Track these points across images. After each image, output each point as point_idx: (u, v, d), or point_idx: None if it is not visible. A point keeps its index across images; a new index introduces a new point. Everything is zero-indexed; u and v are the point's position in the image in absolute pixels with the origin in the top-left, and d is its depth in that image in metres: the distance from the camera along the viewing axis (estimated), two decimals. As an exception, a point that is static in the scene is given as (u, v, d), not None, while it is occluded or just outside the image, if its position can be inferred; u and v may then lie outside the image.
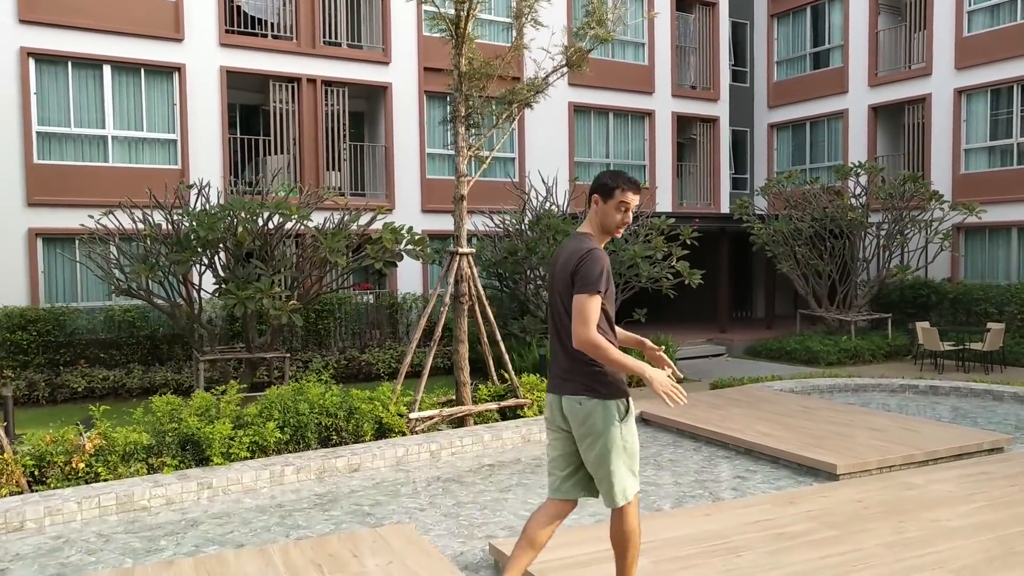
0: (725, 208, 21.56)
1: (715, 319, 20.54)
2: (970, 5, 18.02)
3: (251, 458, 7.01)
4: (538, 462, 7.34)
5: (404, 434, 7.99)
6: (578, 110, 19.29)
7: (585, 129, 19.54)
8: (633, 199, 3.80)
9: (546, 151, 18.51)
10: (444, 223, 17.01)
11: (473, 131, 8.30)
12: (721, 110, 21.42)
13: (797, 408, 8.78)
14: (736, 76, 23.13)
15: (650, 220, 14.64)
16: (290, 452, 7.31)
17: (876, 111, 20.14)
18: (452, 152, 17.71)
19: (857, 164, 17.42)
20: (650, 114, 20.22)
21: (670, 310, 22.93)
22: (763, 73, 22.93)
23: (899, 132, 20.35)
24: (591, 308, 3.54)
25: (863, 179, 18.19)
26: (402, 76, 16.98)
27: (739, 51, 23.12)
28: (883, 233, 17.80)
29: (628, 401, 3.76)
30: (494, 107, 8.51)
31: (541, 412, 8.95)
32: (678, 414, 8.54)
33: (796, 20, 22.21)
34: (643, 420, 8.81)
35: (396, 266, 10.90)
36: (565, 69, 8.43)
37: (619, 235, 3.89)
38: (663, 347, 4.66)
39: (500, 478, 6.88)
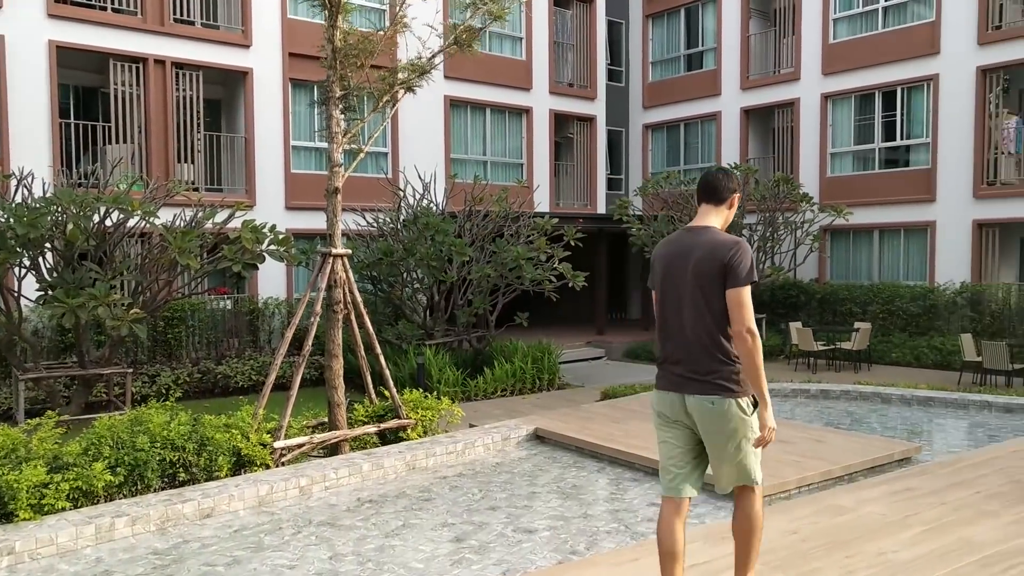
0: (602, 208, 21.30)
1: (592, 321, 20.21)
2: (835, 12, 18.49)
3: (73, 508, 5.69)
4: (427, 495, 6.41)
5: (268, 466, 6.85)
6: (454, 104, 18.41)
7: (461, 124, 18.69)
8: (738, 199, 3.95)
9: (421, 146, 17.53)
10: (311, 221, 15.71)
11: (348, 115, 7.26)
12: (598, 109, 21.14)
13: (699, 419, 8.28)
14: (612, 76, 22.94)
15: (533, 220, 13.97)
16: (125, 497, 6.03)
17: (748, 114, 20.41)
18: (320, 145, 16.41)
19: (733, 166, 17.46)
20: (528, 111, 19.62)
21: (547, 313, 22.47)
22: (638, 73, 22.86)
23: (769, 135, 20.72)
24: (749, 298, 3.60)
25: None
26: (265, 61, 15.53)
27: (615, 50, 22.95)
28: (758, 235, 17.95)
29: (753, 396, 3.73)
30: (370, 91, 7.50)
31: (427, 433, 8.02)
32: (577, 431, 7.83)
33: (670, 21, 22.26)
34: (537, 437, 8.04)
35: (257, 268, 9.66)
36: (454, 48, 7.54)
37: None
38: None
39: (384, 518, 5.91)
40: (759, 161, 20.17)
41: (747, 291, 3.57)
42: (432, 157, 17.49)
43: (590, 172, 21.19)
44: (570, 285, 13.46)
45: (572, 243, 13.64)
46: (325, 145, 16.65)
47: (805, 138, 19.06)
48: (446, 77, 17.89)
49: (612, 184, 23.11)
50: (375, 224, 14.21)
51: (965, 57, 16.37)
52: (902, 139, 17.63)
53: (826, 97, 18.67)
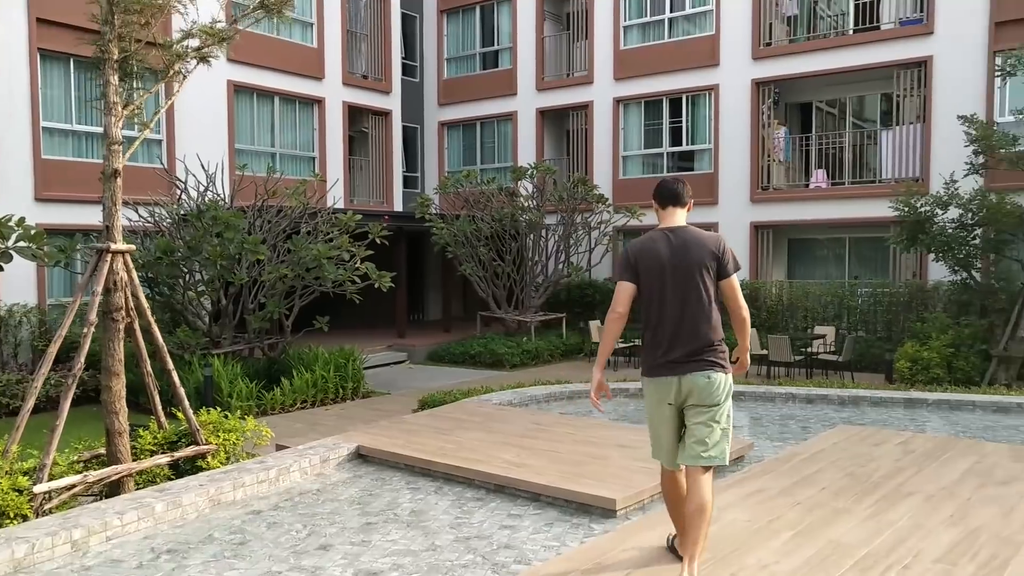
0: (399, 206, 20.57)
1: (392, 324, 19.39)
2: (626, 20, 19.10)
3: None
4: (241, 536, 5.39)
5: (27, 518, 5.46)
6: (239, 90, 16.82)
7: (248, 113, 17.13)
8: None
9: (201, 135, 15.80)
10: (69, 215, 13.58)
11: (127, 85, 6.00)
12: (394, 103, 20.36)
13: (531, 425, 7.84)
14: (407, 70, 22.24)
15: (334, 216, 12.96)
16: None
17: (543, 115, 20.59)
18: (80, 128, 14.23)
19: (532, 165, 17.45)
20: (320, 102, 18.42)
21: (344, 316, 21.30)
22: (433, 69, 22.35)
23: (564, 137, 21.06)
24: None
25: (531, 182, 18.35)
26: (5, 27, 13.16)
27: (409, 44, 22.27)
28: (558, 235, 18.09)
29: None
30: (150, 66, 6.27)
31: (230, 460, 6.90)
32: (405, 446, 7.08)
33: (465, 19, 21.97)
34: (360, 456, 7.21)
35: (2, 269, 7.92)
36: (261, 13, 6.49)
37: None
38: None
39: (190, 573, 4.84)
40: (555, 162, 20.42)
41: (737, 277, 4.31)
42: (214, 147, 15.82)
43: (386, 169, 20.36)
44: (376, 286, 12.62)
45: (378, 241, 12.80)
46: (85, 128, 14.55)
47: (599, 141, 19.53)
48: (230, 60, 16.29)
49: (408, 182, 22.42)
50: (151, 219, 12.51)
51: (741, 70, 17.50)
52: (687, 144, 18.55)
53: (618, 101, 19.24)
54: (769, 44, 17.38)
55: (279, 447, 7.77)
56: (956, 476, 5.99)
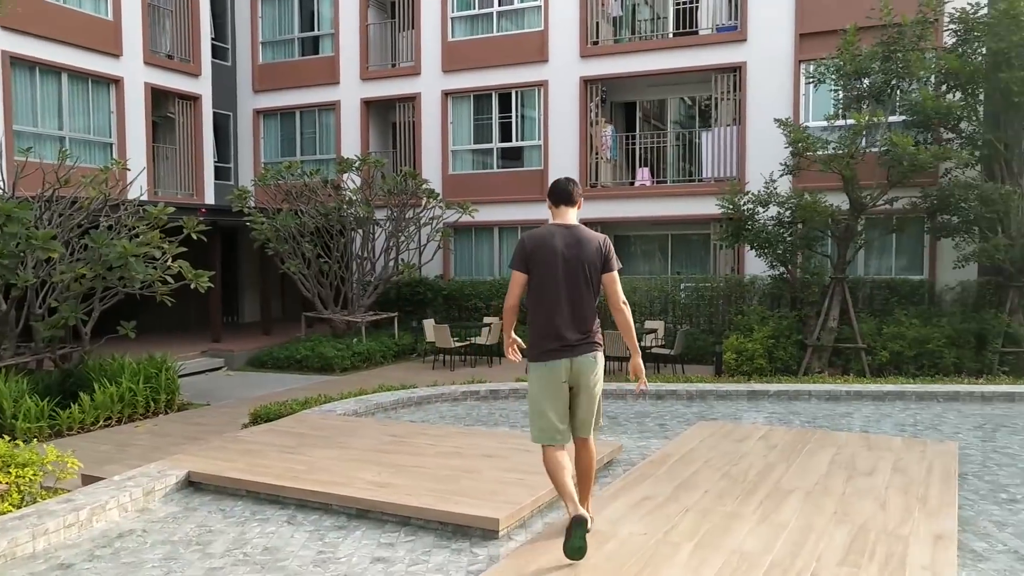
0: (211, 199, 18.93)
1: (206, 328, 17.83)
2: (453, 11, 18.67)
3: None
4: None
5: None
6: (17, 63, 14.64)
7: (28, 90, 14.96)
8: None
9: (-30, 112, 13.59)
10: None
11: None
12: (203, 87, 18.68)
13: (387, 438, 7.18)
14: (218, 53, 20.52)
15: (141, 209, 11.51)
16: None
17: (368, 105, 19.72)
18: None
19: (359, 157, 16.61)
20: (117, 81, 16.49)
21: (151, 320, 19.28)
22: (247, 53, 20.78)
23: (391, 129, 20.30)
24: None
25: (357, 175, 17.52)
26: None
27: (220, 25, 20.55)
28: (387, 231, 17.36)
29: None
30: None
31: (24, 503, 5.70)
32: (246, 470, 6.20)
33: (282, 1, 20.58)
34: (191, 484, 6.24)
35: None
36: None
37: None
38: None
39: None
40: (382, 155, 19.61)
41: (618, 273, 4.81)
42: (-12, 127, 13.66)
43: (196, 158, 18.65)
44: (192, 287, 11.34)
45: (194, 237, 11.51)
46: None
47: (427, 134, 18.98)
48: (3, 28, 14.14)
49: (221, 173, 20.72)
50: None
51: (570, 67, 17.62)
52: (518, 140, 18.44)
53: (446, 94, 18.78)
54: (596, 43, 17.62)
55: (87, 479, 6.60)
56: (823, 469, 6.08)
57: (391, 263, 17.35)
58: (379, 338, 16.69)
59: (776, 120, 13.92)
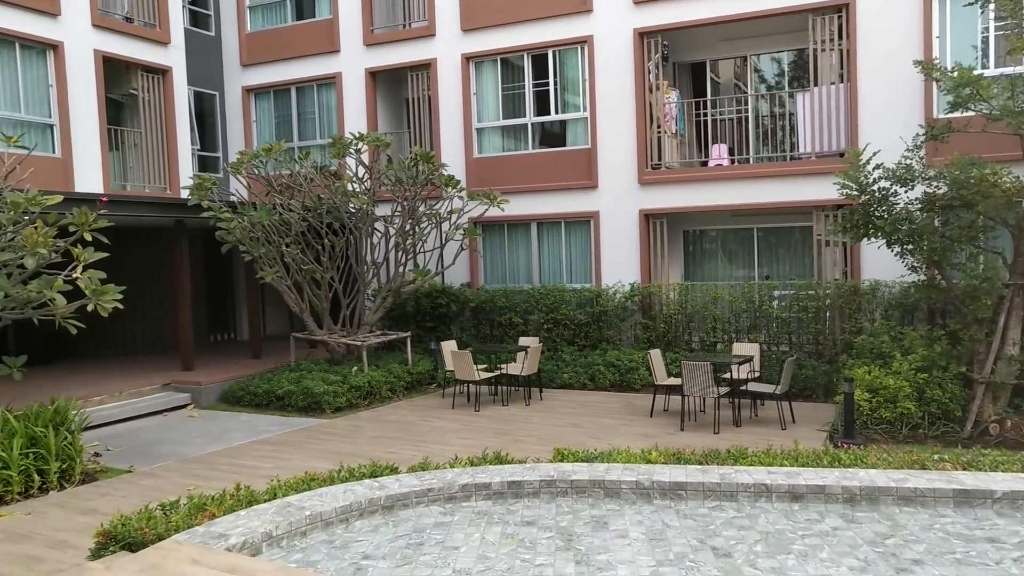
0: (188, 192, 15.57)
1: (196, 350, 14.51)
2: (476, -45, 15.01)
3: None
4: None
5: None
6: (-89, 19, 11.42)
7: (-70, 55, 11.74)
8: None
9: None
10: None
11: None
12: (174, 58, 15.33)
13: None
14: (198, 21, 17.23)
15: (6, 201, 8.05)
16: None
17: (375, 77, 16.19)
18: None
19: (357, 135, 13.08)
20: (56, 47, 13.20)
21: (111, 342, 16.07)
22: (232, 19, 17.44)
23: (403, 107, 16.77)
24: None
25: (365, 155, 13.97)
26: None
27: (198, -15, 17.28)
28: (395, 228, 13.80)
29: None
30: None
31: None
32: None
33: (273, -46, 17.21)
34: None
35: None
36: None
37: None
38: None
39: None
40: (394, 138, 16.07)
41: None
42: None
43: (168, 144, 15.32)
44: (90, 308, 7.88)
45: (88, 238, 8.03)
46: None
47: (446, 109, 15.38)
48: None
49: (207, 164, 17.44)
50: None
51: (620, 17, 13.88)
52: (557, 112, 14.72)
53: (468, 59, 15.15)
54: (656, -14, 13.80)
55: None
56: None
57: (401, 268, 13.79)
58: (388, 365, 13.15)
59: (916, 63, 9.95)
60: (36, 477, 7.95)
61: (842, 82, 12.63)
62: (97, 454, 9.44)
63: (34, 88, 13.02)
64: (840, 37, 12.60)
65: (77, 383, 12.72)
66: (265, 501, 5.37)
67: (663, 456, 6.37)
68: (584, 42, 14.18)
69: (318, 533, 5.04)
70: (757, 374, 10.75)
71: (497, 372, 11.98)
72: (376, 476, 5.99)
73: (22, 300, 7.86)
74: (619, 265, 13.87)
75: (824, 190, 12.10)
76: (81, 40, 13.54)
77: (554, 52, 14.53)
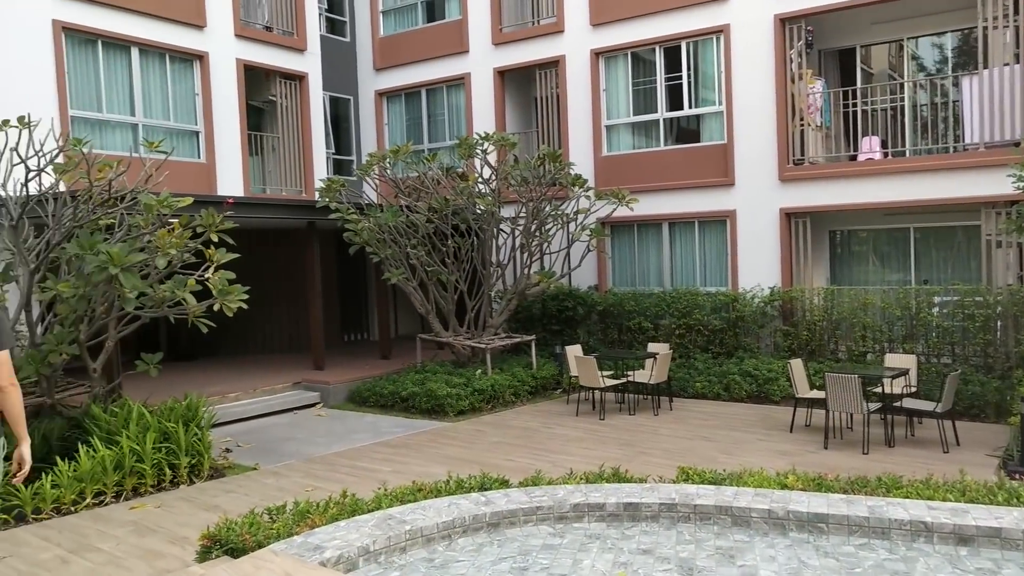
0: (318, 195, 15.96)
1: (328, 348, 14.89)
2: (607, -53, 14.53)
3: None
4: None
5: None
6: (72, 36, 12.18)
7: (90, 68, 12.48)
8: None
9: (9, 93, 11.17)
10: None
11: None
12: (310, 65, 15.75)
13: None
14: (334, 28, 17.68)
15: (135, 195, 8.32)
16: None
17: (503, 76, 16.01)
18: None
19: (483, 136, 12.90)
20: (202, 57, 13.81)
21: (249, 339, 16.71)
22: (367, 25, 17.77)
23: (532, 106, 16.52)
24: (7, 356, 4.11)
25: (492, 156, 13.79)
26: None
27: (334, -7, 17.72)
28: (520, 229, 13.54)
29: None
30: None
31: None
32: None
33: (405, -41, 17.41)
34: None
35: None
36: None
37: None
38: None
39: None
40: (521, 138, 15.85)
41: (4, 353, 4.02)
42: (35, 111, 11.14)
43: (303, 149, 15.75)
44: (216, 308, 8.03)
45: (214, 239, 8.18)
46: None
47: (574, 107, 14.98)
48: (56, -8, 11.73)
49: (342, 168, 17.87)
50: None
51: (761, 2, 12.97)
52: (691, 107, 13.99)
53: (597, 54, 14.68)
54: (799, -32, 12.84)
55: None
56: None
57: (526, 270, 13.51)
58: (512, 368, 12.90)
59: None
60: (168, 471, 8.17)
61: (1017, 63, 11.25)
62: (228, 450, 9.67)
63: (182, 97, 13.67)
64: (1016, 12, 11.22)
65: (217, 379, 13.22)
66: (368, 511, 5.15)
67: (801, 481, 5.68)
68: (720, 32, 13.39)
69: (418, 550, 4.76)
70: (913, 389, 9.68)
71: (624, 379, 11.45)
72: (485, 489, 5.67)
73: (158, 299, 8.14)
74: (757, 267, 13.00)
75: (995, 184, 10.82)
76: (225, 50, 14.11)
77: (688, 43, 13.83)
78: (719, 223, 13.56)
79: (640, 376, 11.47)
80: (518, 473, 8.04)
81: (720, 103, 13.55)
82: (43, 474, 7.47)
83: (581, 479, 5.86)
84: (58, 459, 7.64)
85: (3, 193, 8.74)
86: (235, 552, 4.80)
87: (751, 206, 13.08)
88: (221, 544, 4.93)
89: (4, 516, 7.04)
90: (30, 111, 10.85)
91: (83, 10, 12.12)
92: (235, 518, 5.28)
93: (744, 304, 12.61)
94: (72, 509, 7.43)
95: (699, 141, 13.94)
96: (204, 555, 4.97)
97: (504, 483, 5.82)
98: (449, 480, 5.88)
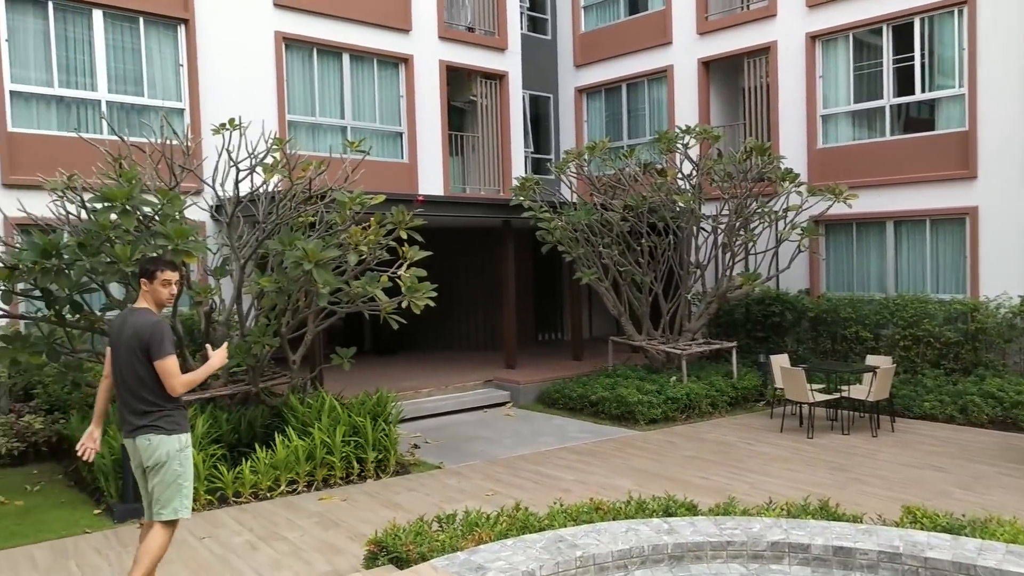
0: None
1: (520, 346, 14.87)
2: (827, -81, 13.23)
3: None
4: None
5: None
6: (292, 45, 12.93)
7: (304, 74, 13.19)
8: (172, 275, 4.74)
9: (235, 100, 12.02)
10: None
11: None
12: (511, 63, 15.75)
13: None
14: (535, 25, 17.62)
15: (330, 192, 8.49)
16: None
17: (708, 67, 15.12)
18: (64, 92, 10.79)
19: (684, 129, 12.17)
20: (407, 60, 14.19)
21: (444, 336, 17.03)
22: (567, 21, 17.54)
23: (739, 96, 15.49)
24: (174, 364, 4.60)
25: (693, 151, 13.00)
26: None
27: (535, -8, 17.65)
28: (722, 227, 12.65)
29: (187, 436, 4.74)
30: None
31: None
32: None
33: (607, -49, 16.97)
34: None
35: None
36: None
37: (170, 305, 5.72)
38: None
39: None
40: (726, 132, 14.88)
41: (172, 359, 4.56)
42: (256, 116, 11.93)
43: (502, 148, 15.80)
44: (404, 305, 8.04)
45: (404, 236, 8.18)
46: (67, 92, 11.08)
47: (785, 96, 13.81)
48: (276, 5, 12.48)
49: (540, 167, 17.79)
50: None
51: (1018, -33, 11.18)
52: (924, 91, 12.39)
53: (813, 38, 13.42)
54: (1066, -77, 10.93)
55: None
56: None
57: (728, 271, 12.61)
58: (710, 376, 12.09)
59: None
60: (355, 465, 8.31)
61: None
62: (416, 446, 9.75)
63: (388, 99, 14.13)
64: None
65: (413, 374, 13.52)
66: (539, 530, 4.77)
67: (1069, 537, 4.58)
68: (962, 4, 11.73)
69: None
70: None
71: (837, 394, 10.30)
72: (669, 514, 5.10)
73: (351, 295, 8.30)
74: (1003, 273, 11.24)
75: None
76: (428, 52, 14.42)
77: (921, 19, 12.25)
78: (956, 222, 11.89)
79: (857, 392, 10.25)
80: (710, 493, 7.35)
81: (960, 85, 11.87)
82: (244, 459, 7.84)
83: (782, 511, 5.13)
84: (257, 446, 7.98)
85: (221, 192, 9.33)
86: (399, 562, 4.60)
87: (996, 202, 11.33)
88: (387, 551, 4.76)
89: (209, 497, 7.43)
90: (253, 116, 11.61)
91: (301, 20, 12.83)
92: (403, 524, 5.11)
93: (987, 315, 10.94)
94: (268, 495, 7.73)
95: (932, 129, 12.32)
96: (370, 561, 4.83)
97: (691, 508, 5.22)
98: (629, 501, 5.37)
